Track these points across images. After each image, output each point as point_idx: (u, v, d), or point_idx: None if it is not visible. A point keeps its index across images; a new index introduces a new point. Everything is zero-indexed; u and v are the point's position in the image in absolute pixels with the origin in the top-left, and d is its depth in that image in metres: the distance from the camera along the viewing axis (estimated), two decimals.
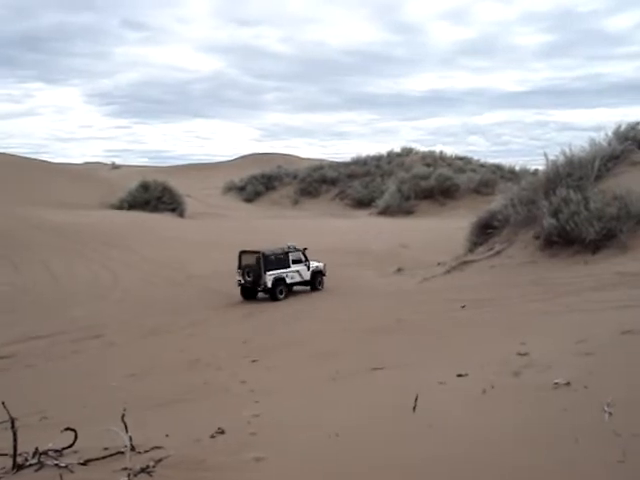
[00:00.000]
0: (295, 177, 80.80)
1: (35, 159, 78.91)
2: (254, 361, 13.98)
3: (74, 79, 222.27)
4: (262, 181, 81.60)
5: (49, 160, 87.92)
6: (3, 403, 6.12)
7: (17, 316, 23.38)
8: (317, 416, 7.87)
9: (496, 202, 29.23)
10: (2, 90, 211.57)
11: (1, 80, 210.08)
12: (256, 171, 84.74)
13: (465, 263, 26.13)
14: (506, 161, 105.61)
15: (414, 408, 7.00)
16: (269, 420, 7.85)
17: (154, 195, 59.91)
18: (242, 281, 25.83)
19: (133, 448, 5.98)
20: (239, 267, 26.13)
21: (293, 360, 13.88)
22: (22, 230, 39.03)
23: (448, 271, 25.71)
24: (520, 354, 9.59)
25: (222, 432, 7.11)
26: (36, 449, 6.02)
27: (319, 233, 42.29)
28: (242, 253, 26.42)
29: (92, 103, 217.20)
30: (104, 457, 6.02)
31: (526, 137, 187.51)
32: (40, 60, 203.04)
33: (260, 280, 25.29)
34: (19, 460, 5.91)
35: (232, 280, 26.16)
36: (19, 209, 45.58)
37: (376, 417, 7.34)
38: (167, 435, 7.03)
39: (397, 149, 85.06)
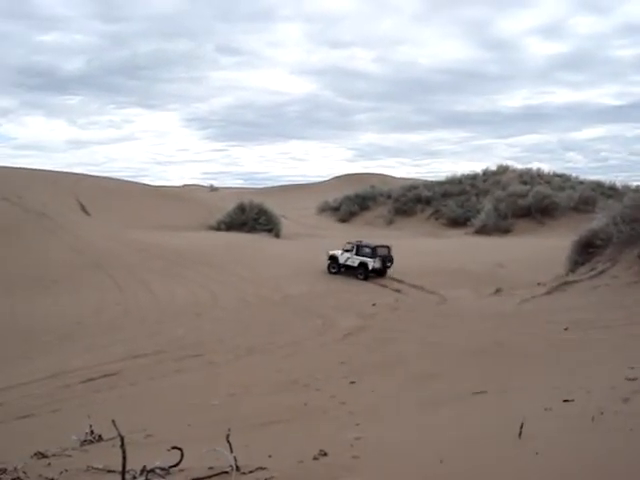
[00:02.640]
0: (389, 197, 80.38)
1: (136, 182, 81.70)
2: (353, 382, 13.92)
3: (171, 104, 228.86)
4: (356, 201, 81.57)
5: (149, 183, 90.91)
6: (113, 421, 6.26)
7: (122, 335, 24.14)
8: (420, 441, 7.74)
9: (597, 220, 28.39)
10: (104, 116, 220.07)
11: (103, 107, 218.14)
12: (350, 191, 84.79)
13: (566, 283, 25.39)
14: (605, 177, 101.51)
15: (520, 434, 6.79)
16: (371, 443, 7.77)
17: (250, 216, 60.85)
18: (377, 266, 36.04)
19: (238, 468, 6.02)
20: (373, 256, 36.16)
21: (392, 382, 13.75)
22: (125, 252, 40.42)
23: (549, 292, 25.03)
24: (629, 379, 9.20)
25: (325, 454, 7.07)
26: (144, 467, 6.12)
27: (413, 253, 41.96)
28: (377, 247, 37.02)
29: (189, 127, 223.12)
30: (209, 476, 6.07)
31: (625, 152, 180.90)
32: (138, 86, 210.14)
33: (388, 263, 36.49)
34: (127, 478, 6.03)
35: (328, 300, 26.29)
36: (122, 231, 47.19)
37: (480, 443, 7.16)
38: (270, 456, 7.05)
39: (492, 167, 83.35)
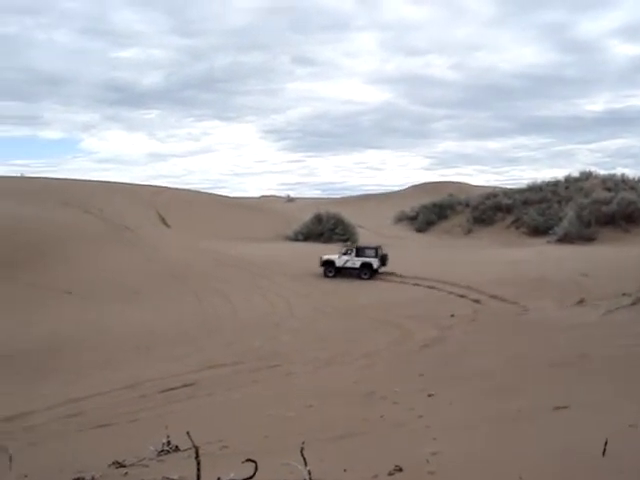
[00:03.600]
0: (467, 205, 79.12)
1: (214, 194, 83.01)
2: (430, 395, 13.62)
3: (248, 116, 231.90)
4: (434, 210, 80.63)
5: (227, 194, 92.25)
6: (188, 433, 6.23)
7: (199, 345, 24.41)
8: (499, 458, 7.44)
9: None
10: (182, 129, 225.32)
11: (181, 120, 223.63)
12: (427, 200, 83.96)
13: None
14: None
15: (604, 452, 6.44)
16: (448, 459, 7.52)
17: (327, 227, 61.07)
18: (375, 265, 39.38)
19: None
20: (376, 256, 39.53)
21: (471, 395, 13.39)
22: (203, 262, 41.03)
23: (635, 302, 24.09)
24: None
25: (400, 469, 6.88)
26: (218, 479, 6.06)
27: (492, 262, 41.23)
28: (379, 248, 40.68)
29: (266, 139, 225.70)
30: None
31: None
32: (216, 99, 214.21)
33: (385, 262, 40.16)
34: None
35: (404, 310, 25.98)
36: (200, 242, 47.92)
37: (562, 460, 6.83)
38: (345, 470, 6.90)
39: (575, 173, 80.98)
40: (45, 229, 42.79)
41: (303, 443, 6.13)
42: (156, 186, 77.88)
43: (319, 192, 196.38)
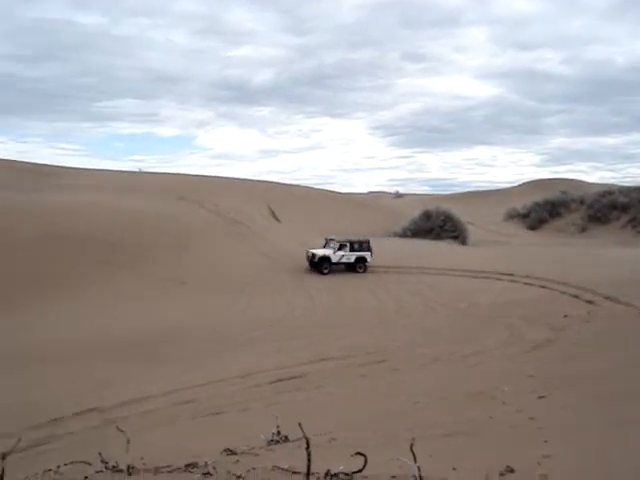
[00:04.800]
0: (582, 203, 76.53)
1: (323, 189, 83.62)
2: (541, 397, 13.28)
3: (357, 112, 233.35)
4: (546, 208, 78.42)
5: (336, 190, 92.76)
6: (300, 424, 6.32)
7: (309, 338, 24.68)
8: (613, 463, 7.21)
9: None
10: (293, 126, 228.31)
11: (291, 117, 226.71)
12: (539, 197, 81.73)
13: None
14: None
15: None
16: (560, 462, 7.34)
17: (436, 223, 60.48)
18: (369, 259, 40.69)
19: (421, 479, 5.87)
20: (369, 249, 40.59)
21: (584, 399, 12.97)
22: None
23: None
24: None
25: (511, 471, 6.75)
26: (327, 471, 6.12)
27: (606, 262, 39.75)
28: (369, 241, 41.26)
29: (375, 135, 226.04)
30: None
31: None
32: (325, 96, 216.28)
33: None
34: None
35: (515, 309, 25.42)
36: (310, 237, 48.35)
37: None
38: (454, 468, 6.84)
39: None
40: (163, 223, 44.31)
41: (413, 439, 6.13)
42: (267, 181, 79.27)
43: (428, 188, 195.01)
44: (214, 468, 7.21)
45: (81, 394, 18.39)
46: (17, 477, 8.34)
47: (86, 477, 7.46)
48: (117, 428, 8.86)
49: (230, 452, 8.19)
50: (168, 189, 59.07)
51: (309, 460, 5.94)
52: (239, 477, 6.81)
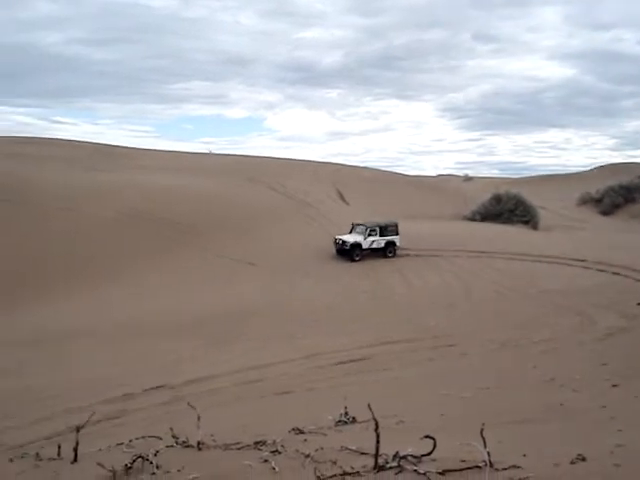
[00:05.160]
0: None
1: (392, 172, 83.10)
2: (615, 386, 12.95)
3: (427, 94, 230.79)
4: (620, 192, 76.09)
5: (404, 173, 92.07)
6: (369, 405, 6.29)
7: (375, 320, 24.65)
8: None
9: None
10: (361, 108, 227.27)
11: (360, 99, 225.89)
12: (614, 182, 79.40)
13: None
14: None
15: None
16: (634, 452, 7.12)
17: (506, 207, 59.40)
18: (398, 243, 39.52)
19: (491, 464, 5.77)
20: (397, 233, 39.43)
21: None
22: None
23: None
24: None
25: (583, 459, 6.57)
26: (396, 452, 6.07)
27: None
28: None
29: (444, 117, 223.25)
30: (461, 469, 5.88)
31: None
32: (394, 78, 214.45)
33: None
34: (380, 461, 6.02)
35: (587, 297, 24.86)
36: (376, 220, 48.19)
37: None
38: (524, 455, 6.71)
39: None
40: (232, 204, 44.77)
41: (483, 424, 6.04)
42: (336, 164, 79.16)
43: (497, 172, 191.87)
44: (282, 446, 7.25)
45: (150, 371, 18.84)
46: (90, 449, 8.57)
47: (157, 451, 7.58)
48: (188, 404, 8.99)
49: (298, 431, 8.23)
50: (237, 171, 59.58)
51: (378, 441, 5.91)
52: (307, 456, 6.83)
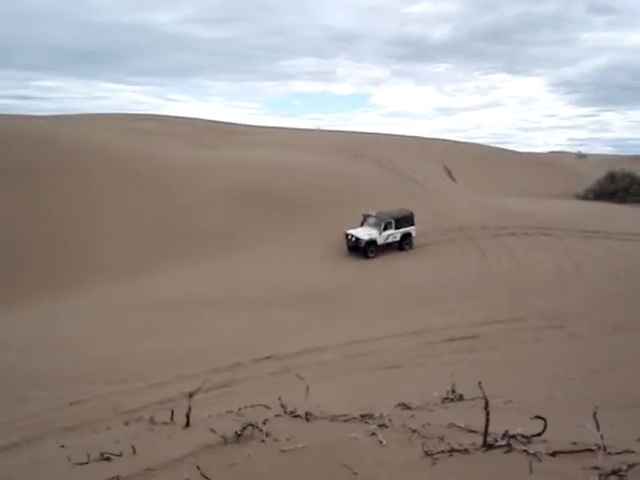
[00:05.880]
0: None
1: (501, 148, 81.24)
2: None
3: (538, 69, 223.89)
4: None
5: (514, 149, 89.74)
6: (479, 383, 6.27)
7: (483, 299, 24.35)
8: None
9: None
10: (470, 83, 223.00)
11: (469, 73, 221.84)
12: None
13: None
14: None
15: None
16: None
17: (621, 186, 57.05)
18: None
19: (604, 448, 5.65)
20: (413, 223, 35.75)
21: None
22: (489, 217, 40.54)
23: None
24: None
25: None
26: (505, 432, 6.04)
27: None
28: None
29: (556, 92, 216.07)
30: (572, 452, 5.79)
31: None
32: (504, 52, 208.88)
33: None
34: (489, 439, 6.00)
35: None
36: (485, 197, 47.36)
37: None
38: (639, 440, 6.54)
39: None
40: (340, 180, 44.96)
41: (596, 407, 5.92)
42: (443, 140, 78.05)
43: (611, 149, 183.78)
44: (390, 420, 7.32)
45: (258, 343, 19.30)
46: (201, 415, 8.91)
47: (266, 420, 7.79)
48: (297, 375, 9.20)
49: (405, 406, 8.28)
50: (344, 147, 59.66)
51: (487, 420, 5.89)
52: (414, 431, 6.88)
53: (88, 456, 7.69)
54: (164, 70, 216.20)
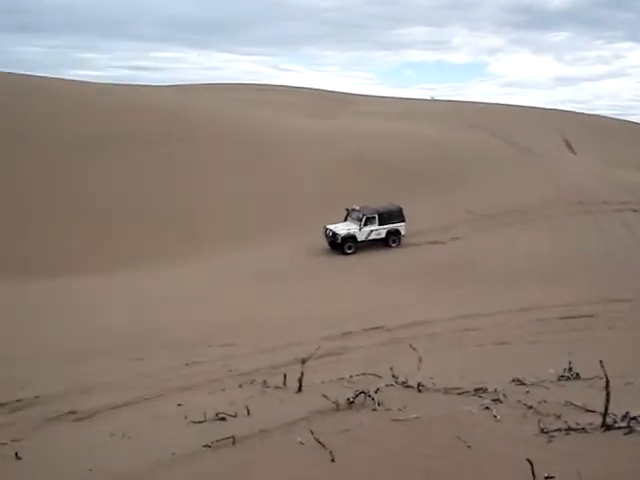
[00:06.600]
0: None
1: (624, 120, 77.77)
2: None
3: None
4: None
5: (637, 121, 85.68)
6: (601, 362, 6.14)
7: (600, 276, 23.52)
8: None
9: None
10: (591, 52, 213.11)
11: (590, 42, 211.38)
12: None
13: None
14: None
15: None
16: None
17: None
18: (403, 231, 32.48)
19: None
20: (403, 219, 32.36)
21: None
22: (610, 191, 38.99)
23: None
24: None
25: None
26: (626, 413, 5.91)
27: None
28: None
29: None
30: None
31: None
32: (629, 19, 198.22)
33: None
34: (608, 420, 5.88)
35: None
36: (606, 170, 45.56)
37: None
38: None
39: None
40: (455, 151, 44.35)
41: None
42: (562, 111, 75.45)
43: None
44: (504, 396, 7.27)
45: (366, 312, 19.41)
46: (313, 381, 9.09)
47: (378, 389, 7.89)
48: (410, 346, 9.23)
49: (519, 382, 8.20)
50: (459, 117, 58.70)
51: (607, 400, 5.77)
52: (530, 407, 6.82)
53: (204, 415, 8.04)
54: (277, 40, 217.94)
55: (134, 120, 40.51)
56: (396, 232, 32.56)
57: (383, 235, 32.35)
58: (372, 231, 32.12)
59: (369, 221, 32.17)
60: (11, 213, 31.03)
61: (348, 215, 33.04)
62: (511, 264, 26.24)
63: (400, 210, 32.76)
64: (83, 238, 30.38)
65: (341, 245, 31.54)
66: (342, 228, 32.11)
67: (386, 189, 36.38)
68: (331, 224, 32.33)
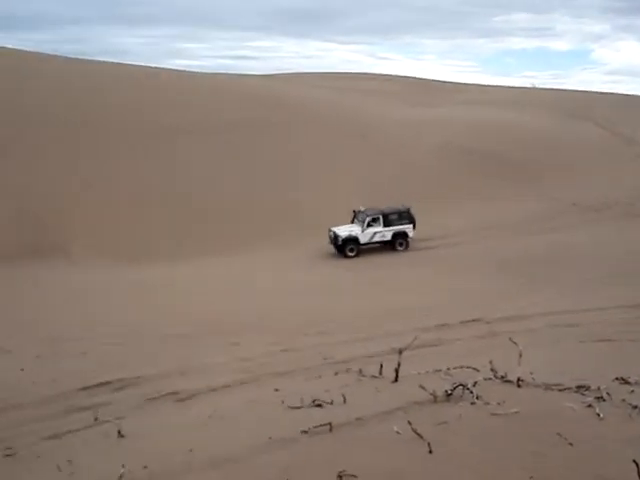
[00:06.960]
0: None
1: None
2: None
3: None
4: None
5: None
6: None
7: None
8: None
9: None
10: None
11: None
12: None
13: None
14: None
15: None
16: None
17: None
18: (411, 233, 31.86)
19: None
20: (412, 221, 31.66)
21: None
22: None
23: None
24: None
25: None
26: None
27: None
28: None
29: None
30: None
31: None
32: None
33: None
34: None
35: None
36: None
37: None
38: None
39: None
40: (558, 141, 43.35)
41: None
42: None
43: None
44: (608, 394, 7.11)
45: (465, 305, 19.24)
46: (409, 371, 9.10)
47: (476, 382, 7.84)
48: (510, 340, 9.11)
49: (623, 381, 7.98)
50: (562, 106, 57.17)
51: None
52: (635, 407, 6.65)
53: (301, 401, 8.19)
54: (375, 28, 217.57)
55: (239, 108, 41.51)
56: (403, 234, 31.84)
57: (389, 237, 31.69)
58: (376, 233, 31.49)
59: (374, 222, 31.56)
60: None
61: (355, 217, 32.44)
62: (615, 258, 25.42)
63: (408, 211, 31.95)
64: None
65: (342, 247, 31.11)
66: (344, 230, 31.56)
67: (488, 178, 35.95)
68: (337, 226, 31.80)
